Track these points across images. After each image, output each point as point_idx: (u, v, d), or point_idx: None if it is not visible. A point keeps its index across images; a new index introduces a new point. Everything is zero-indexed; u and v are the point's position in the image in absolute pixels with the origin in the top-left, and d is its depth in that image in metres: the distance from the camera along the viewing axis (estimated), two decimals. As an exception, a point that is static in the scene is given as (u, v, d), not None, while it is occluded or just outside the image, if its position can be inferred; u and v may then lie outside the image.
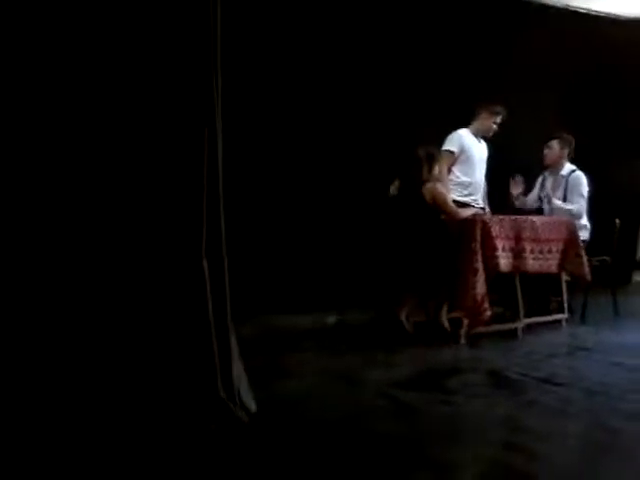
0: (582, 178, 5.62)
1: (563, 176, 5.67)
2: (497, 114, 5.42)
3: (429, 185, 4.75)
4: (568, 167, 5.70)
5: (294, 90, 5.65)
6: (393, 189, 4.92)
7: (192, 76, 2.82)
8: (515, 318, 4.95)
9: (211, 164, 2.87)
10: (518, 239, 4.87)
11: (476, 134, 5.49)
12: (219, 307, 2.90)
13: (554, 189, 5.70)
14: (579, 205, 5.56)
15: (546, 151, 5.73)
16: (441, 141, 5.42)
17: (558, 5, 7.18)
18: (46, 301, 2.67)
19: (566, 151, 5.70)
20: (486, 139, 5.55)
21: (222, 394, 2.85)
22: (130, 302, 2.77)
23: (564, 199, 5.60)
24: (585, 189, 5.61)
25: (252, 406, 2.99)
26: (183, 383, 2.81)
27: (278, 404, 3.22)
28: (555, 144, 5.69)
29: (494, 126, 5.45)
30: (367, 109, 5.95)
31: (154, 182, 2.82)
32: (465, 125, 5.50)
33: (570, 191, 5.60)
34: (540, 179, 5.84)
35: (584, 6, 7.27)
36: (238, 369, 3.01)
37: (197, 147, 2.82)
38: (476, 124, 5.49)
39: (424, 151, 4.89)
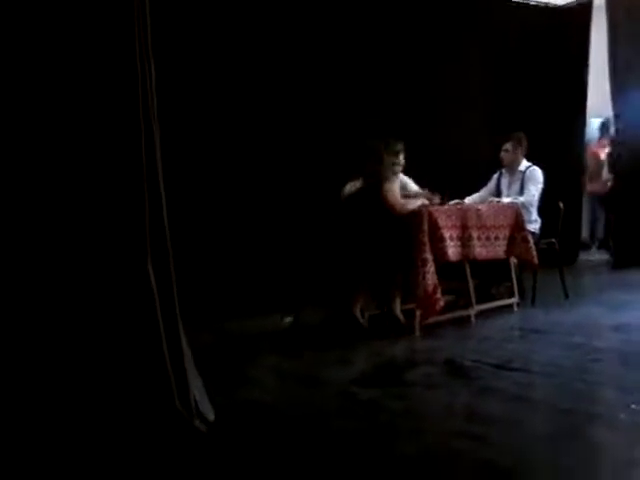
0: (538, 172, 5.77)
1: (521, 171, 5.81)
2: (396, 153, 5.26)
3: (386, 186, 4.73)
4: (525, 164, 5.84)
5: (237, 89, 5.60)
6: (350, 187, 4.89)
7: (121, 75, 2.70)
8: (467, 305, 5.02)
9: (150, 164, 2.78)
10: (464, 227, 4.93)
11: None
12: (168, 314, 2.83)
13: (511, 184, 5.85)
14: (530, 195, 5.68)
15: (502, 154, 5.86)
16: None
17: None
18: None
19: (520, 149, 5.84)
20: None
21: (178, 404, 2.80)
22: (73, 312, 2.68)
23: (520, 193, 5.72)
24: (539, 180, 5.74)
25: (210, 415, 2.95)
26: (136, 395, 2.75)
27: (238, 411, 3.19)
28: (509, 146, 5.83)
29: (397, 167, 5.28)
30: (315, 109, 5.96)
31: (90, 187, 2.72)
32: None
33: (526, 183, 5.74)
34: (496, 175, 5.97)
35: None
36: (193, 377, 2.97)
37: (134, 149, 2.73)
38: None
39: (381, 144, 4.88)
